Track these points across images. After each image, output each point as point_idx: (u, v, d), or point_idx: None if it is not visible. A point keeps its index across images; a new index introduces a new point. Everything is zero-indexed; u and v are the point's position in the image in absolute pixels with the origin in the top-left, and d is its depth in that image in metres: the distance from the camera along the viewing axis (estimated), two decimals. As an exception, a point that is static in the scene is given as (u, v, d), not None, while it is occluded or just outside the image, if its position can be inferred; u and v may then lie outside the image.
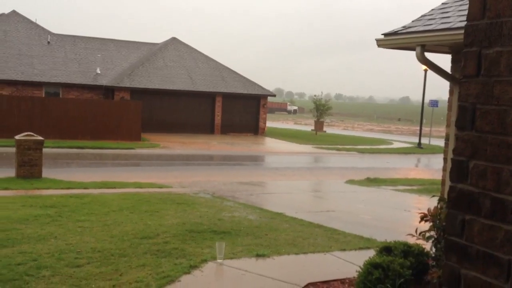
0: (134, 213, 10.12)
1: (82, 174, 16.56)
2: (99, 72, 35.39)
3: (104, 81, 34.61)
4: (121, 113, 28.75)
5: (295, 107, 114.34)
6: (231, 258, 7.37)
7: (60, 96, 33.16)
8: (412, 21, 8.04)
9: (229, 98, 37.51)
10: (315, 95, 47.82)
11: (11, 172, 14.76)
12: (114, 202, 11.10)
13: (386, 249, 6.46)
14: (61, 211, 9.88)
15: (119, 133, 28.39)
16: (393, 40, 7.79)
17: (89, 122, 27.92)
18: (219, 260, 7.21)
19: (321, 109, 46.84)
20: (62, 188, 12.88)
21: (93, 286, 5.96)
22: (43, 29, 37.49)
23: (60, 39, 37.26)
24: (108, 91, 34.36)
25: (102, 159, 21.54)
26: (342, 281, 6.57)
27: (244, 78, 39.42)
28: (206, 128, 36.92)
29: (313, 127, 48.98)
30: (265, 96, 39.38)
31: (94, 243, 7.71)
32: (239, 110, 38.19)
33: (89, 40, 39.16)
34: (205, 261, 7.16)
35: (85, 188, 13.07)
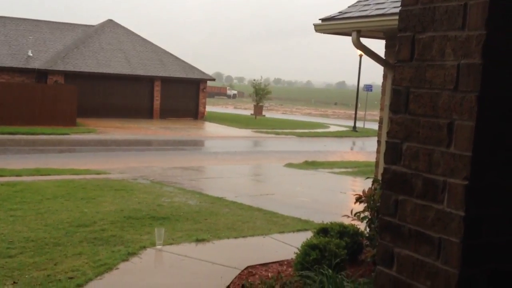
0: (69, 200, 9.85)
1: (14, 161, 15.90)
2: (31, 54, 33.95)
3: (36, 64, 33.24)
4: (55, 98, 27.75)
5: (235, 92, 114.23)
6: (171, 244, 7.32)
7: (-11, 80, 31.61)
8: (348, 7, 8.17)
9: (168, 82, 36.97)
10: (254, 80, 47.92)
11: None
12: (48, 190, 10.75)
13: (323, 230, 6.61)
14: (-8, 200, 9.47)
15: (53, 118, 27.42)
16: (330, 25, 7.89)
17: (21, 107, 26.79)
18: (158, 246, 7.15)
19: (260, 93, 47.01)
20: (-8, 176, 12.34)
21: (26, 276, 5.77)
22: (-32, 8, 35.57)
23: (-12, 20, 35.46)
24: (41, 74, 33.05)
25: (36, 145, 20.78)
26: (280, 263, 6.67)
27: (184, 62, 38.94)
28: (144, 112, 36.26)
29: (252, 112, 49.13)
30: (204, 81, 39.08)
31: (27, 232, 7.45)
32: (179, 95, 37.72)
33: (20, 22, 37.43)
34: (144, 247, 7.08)
35: (17, 175, 12.57)
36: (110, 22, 39.82)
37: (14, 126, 25.35)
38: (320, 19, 8.15)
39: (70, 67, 33.08)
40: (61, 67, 32.84)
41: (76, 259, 6.46)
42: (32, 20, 38.44)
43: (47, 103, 27.47)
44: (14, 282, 5.59)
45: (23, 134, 23.52)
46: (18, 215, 8.49)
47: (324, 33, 8.29)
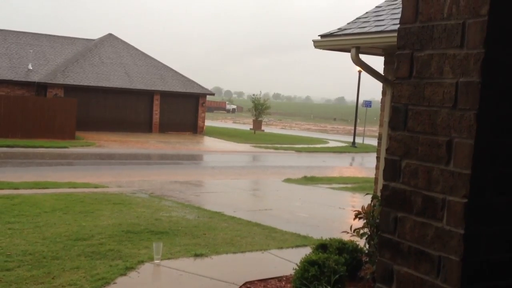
0: (67, 214, 9.82)
1: (12, 174, 15.87)
2: (31, 68, 34.07)
3: (36, 78, 33.35)
4: (55, 111, 27.79)
5: (234, 106, 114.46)
6: (169, 259, 7.29)
7: (-11, 92, 31.67)
8: (348, 23, 8.22)
9: (168, 96, 37.06)
10: (253, 94, 48.06)
11: None
12: (47, 203, 10.72)
13: (322, 246, 6.59)
14: (-11, 213, 9.44)
15: (53, 131, 27.43)
16: (329, 41, 7.94)
17: (21, 120, 26.82)
18: (156, 261, 7.11)
19: (259, 108, 47.12)
20: (-10, 189, 12.31)
21: (23, 290, 5.73)
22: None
23: (-10, 33, 35.62)
24: (41, 88, 33.13)
25: (34, 159, 20.76)
26: (279, 279, 6.64)
27: (183, 76, 39.07)
28: (144, 126, 36.31)
29: (251, 126, 49.20)
30: (204, 95, 39.19)
31: (25, 246, 7.42)
32: (178, 109, 37.80)
33: (21, 35, 37.62)
34: (141, 262, 7.05)
35: (15, 188, 12.55)
36: (110, 36, 40.02)
37: (13, 139, 25.35)
38: (319, 35, 8.21)
39: (69, 81, 33.18)
40: (61, 80, 32.94)
41: (73, 273, 6.42)
42: (32, 34, 38.63)
43: (47, 116, 27.51)
44: (11, 296, 5.56)
45: (22, 147, 23.51)
46: (16, 228, 8.46)
47: (323, 49, 8.33)
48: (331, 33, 8.00)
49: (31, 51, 35.50)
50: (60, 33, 40.83)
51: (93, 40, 40.75)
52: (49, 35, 39.51)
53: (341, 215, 12.03)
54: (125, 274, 6.52)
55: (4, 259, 6.75)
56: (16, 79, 32.76)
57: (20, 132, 26.58)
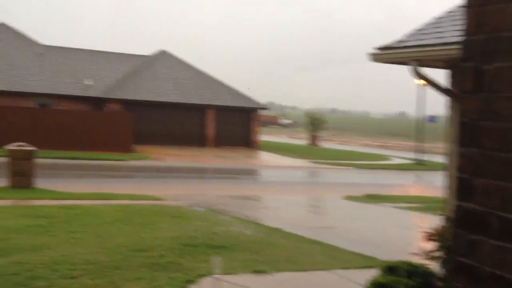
0: (127, 225, 9.91)
1: (74, 185, 16.30)
2: (89, 83, 35.19)
3: (95, 93, 34.41)
4: (112, 125, 28.53)
5: (289, 121, 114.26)
6: (228, 273, 7.17)
7: (51, 107, 32.84)
8: (407, 36, 7.95)
9: (221, 111, 37.39)
10: (309, 109, 47.85)
11: (2, 182, 14.47)
12: (107, 214, 10.87)
13: (390, 268, 6.30)
14: (54, 222, 9.67)
15: (110, 144, 28.12)
16: (387, 54, 7.69)
17: (80, 133, 27.68)
18: (215, 275, 7.01)
19: (315, 123, 46.82)
20: (54, 199, 12.70)
21: (88, 299, 5.75)
22: (33, 41, 37.34)
23: (52, 51, 37.07)
24: (99, 102, 34.13)
25: (93, 170, 21.28)
26: (344, 300, 6.38)
27: (236, 91, 39.37)
28: (196, 140, 36.67)
29: (307, 141, 48.88)
30: (257, 109, 39.32)
31: (87, 255, 7.49)
32: (231, 123, 38.05)
33: (81, 52, 38.99)
34: (201, 275, 6.97)
35: (77, 199, 12.85)
36: (164, 53, 40.89)
37: (74, 151, 26.15)
38: (377, 48, 7.95)
39: (125, 95, 34.06)
40: (117, 95, 33.86)
41: (135, 283, 6.41)
42: (91, 51, 40.05)
43: (104, 129, 28.27)
44: (76, 305, 5.58)
45: (82, 159, 24.22)
46: (79, 237, 8.59)
47: (381, 62, 8.06)
48: (389, 46, 7.75)
49: (90, 67, 36.70)
50: (117, 50, 42.12)
51: (148, 56, 41.75)
52: (107, 52, 40.79)
53: (407, 236, 11.58)
54: (185, 287, 6.45)
55: (69, 267, 6.83)
56: (76, 94, 33.89)
57: (80, 145, 27.38)
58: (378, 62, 8.03)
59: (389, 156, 42.24)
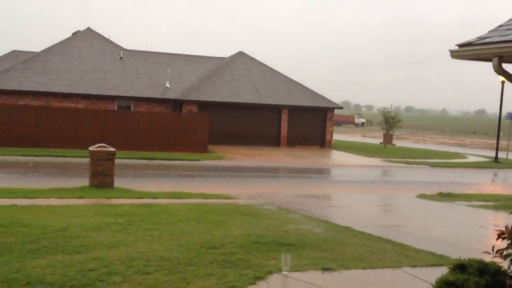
0: (200, 223, 10.22)
1: (151, 184, 16.96)
2: (168, 86, 36.34)
3: (173, 95, 35.50)
4: (189, 126, 29.35)
5: (363, 120, 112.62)
6: (297, 271, 7.26)
7: (132, 109, 34.28)
8: (489, 32, 7.71)
9: (295, 110, 37.49)
10: (383, 108, 46.96)
11: (85, 182, 15.34)
12: (182, 212, 11.26)
13: (460, 266, 6.16)
14: (131, 220, 10.12)
15: (187, 145, 28.96)
16: (468, 51, 7.50)
17: (158, 134, 28.69)
18: (284, 272, 7.13)
19: (390, 121, 45.89)
20: (132, 198, 13.23)
21: (161, 293, 6.03)
22: (115, 45, 38.95)
23: (132, 55, 38.60)
24: (177, 104, 35.19)
25: (170, 170, 22.02)
26: (412, 298, 6.32)
27: (311, 91, 39.30)
28: (272, 140, 37.01)
29: (381, 140, 48.03)
30: (331, 109, 39.07)
31: (162, 252, 7.82)
32: (305, 123, 38.06)
33: (159, 55, 40.35)
34: (270, 272, 7.10)
35: (154, 198, 13.36)
36: (240, 54, 41.50)
37: (151, 152, 27.15)
38: (456, 45, 7.79)
39: (203, 97, 34.88)
40: (195, 97, 34.74)
41: (206, 279, 6.64)
42: (169, 54, 41.28)
43: (182, 130, 29.12)
44: (150, 299, 5.87)
45: (159, 159, 25.08)
46: (155, 235, 8.96)
47: (461, 59, 7.89)
48: (470, 42, 7.55)
49: (168, 70, 37.90)
50: (194, 52, 43.13)
51: (225, 58, 42.54)
52: (185, 55, 41.97)
53: (481, 235, 11.21)
54: (254, 284, 6.61)
55: (144, 263, 7.16)
56: (154, 96, 35.11)
57: (158, 145, 28.39)
58: (458, 59, 7.88)
59: (465, 154, 40.73)
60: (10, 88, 31.82)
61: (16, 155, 23.38)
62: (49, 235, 8.51)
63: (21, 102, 31.45)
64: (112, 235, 8.77)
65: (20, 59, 36.79)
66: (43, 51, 36.13)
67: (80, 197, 12.87)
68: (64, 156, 24.05)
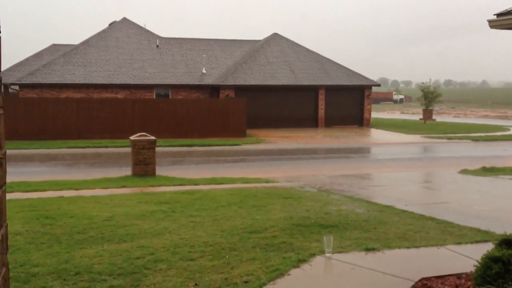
0: (242, 208, 10.32)
1: (192, 171, 17.20)
2: (204, 72, 36.56)
3: (209, 80, 35.70)
4: (227, 111, 29.51)
5: (402, 96, 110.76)
6: (340, 252, 7.28)
7: (170, 97, 34.68)
8: (528, -1, 7.48)
9: (332, 90, 37.17)
10: (422, 83, 46.04)
11: (127, 171, 15.67)
12: (223, 198, 11.40)
13: (506, 242, 6.05)
14: (174, 207, 10.32)
15: (225, 130, 29.16)
16: (507, 20, 7.31)
17: (197, 121, 28.97)
18: (327, 254, 7.15)
19: (429, 96, 45.04)
20: (174, 185, 13.46)
21: (206, 278, 6.16)
22: (151, 33, 39.34)
23: (168, 43, 38.91)
24: (214, 89, 35.40)
25: (210, 156, 22.24)
26: (458, 276, 6.26)
27: (347, 69, 38.85)
28: (309, 121, 36.87)
29: (421, 116, 47.20)
30: (369, 87, 38.56)
31: (205, 237, 7.96)
32: (343, 102, 37.72)
33: (195, 42, 40.55)
34: (313, 255, 7.13)
35: (195, 184, 13.55)
36: (275, 35, 41.29)
37: (190, 139, 27.47)
38: (495, 14, 7.60)
39: (239, 81, 34.94)
40: (231, 81, 34.84)
41: (250, 264, 6.73)
42: (205, 40, 41.43)
43: (220, 116, 29.31)
44: (196, 284, 6.00)
45: (199, 146, 25.35)
46: (197, 221, 9.12)
47: (500, 28, 7.71)
48: (509, 11, 7.34)
49: (204, 56, 38.09)
50: (229, 37, 43.21)
51: (259, 41, 42.40)
52: (220, 40, 42.05)
53: (526, 209, 10.97)
54: (298, 266, 6.65)
55: (188, 249, 7.31)
56: (191, 83, 35.39)
57: (197, 132, 28.70)
58: (497, 28, 7.73)
59: (508, 126, 39.61)
60: (52, 82, 32.66)
61: (60, 148, 24.04)
62: (95, 225, 8.77)
63: (63, 95, 32.27)
64: (156, 222, 8.97)
65: (59, 53, 37.61)
66: (82, 44, 36.83)
67: (123, 187, 13.17)
68: (106, 147, 24.60)
